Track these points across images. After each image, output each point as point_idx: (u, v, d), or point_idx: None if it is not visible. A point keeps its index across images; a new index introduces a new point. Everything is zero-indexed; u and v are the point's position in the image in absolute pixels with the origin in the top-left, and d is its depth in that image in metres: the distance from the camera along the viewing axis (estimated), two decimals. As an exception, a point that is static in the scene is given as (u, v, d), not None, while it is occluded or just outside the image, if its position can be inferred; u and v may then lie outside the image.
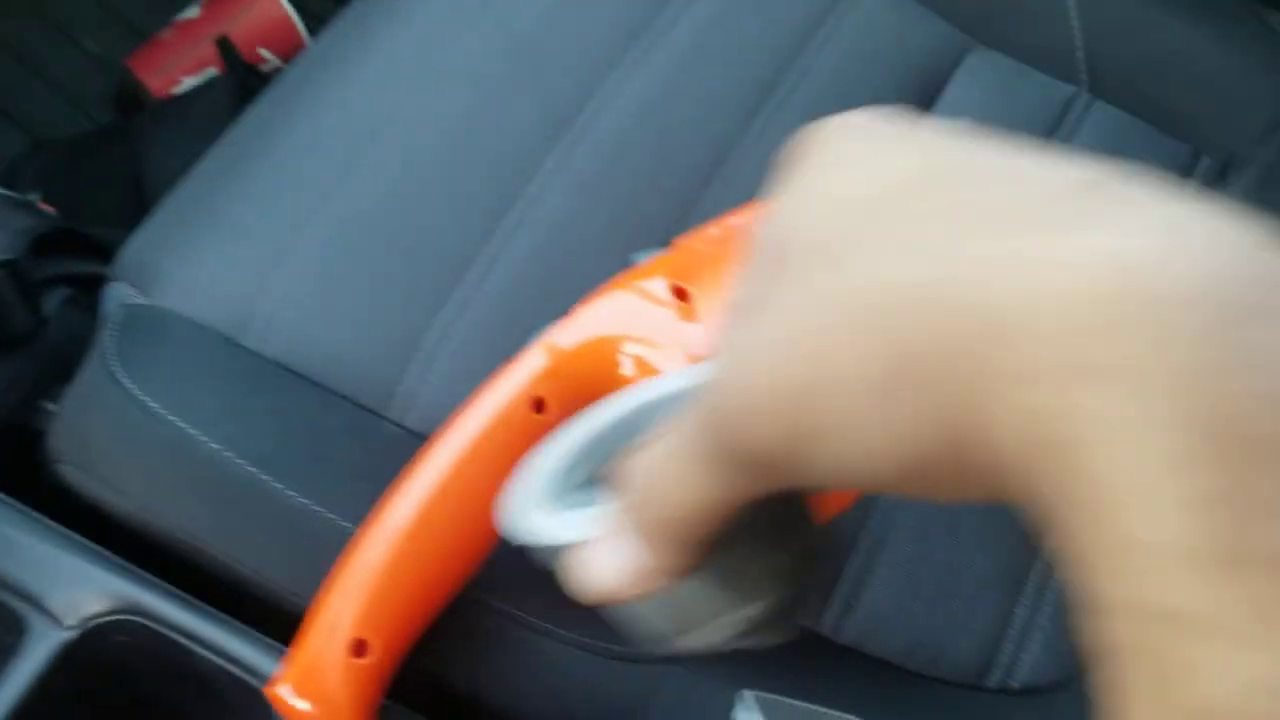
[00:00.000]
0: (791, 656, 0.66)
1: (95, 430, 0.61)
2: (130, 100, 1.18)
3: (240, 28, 1.06)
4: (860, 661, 0.66)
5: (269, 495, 0.59)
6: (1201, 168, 0.82)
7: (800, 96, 0.78)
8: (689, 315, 0.55)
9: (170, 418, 0.58)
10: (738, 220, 0.61)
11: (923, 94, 0.81)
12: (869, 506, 0.67)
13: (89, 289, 0.83)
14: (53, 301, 0.78)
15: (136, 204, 1.02)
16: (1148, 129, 0.83)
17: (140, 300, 0.65)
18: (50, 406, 0.79)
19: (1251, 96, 0.84)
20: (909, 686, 0.66)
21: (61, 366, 0.80)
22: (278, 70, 1.10)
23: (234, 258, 0.67)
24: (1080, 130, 0.81)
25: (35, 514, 0.61)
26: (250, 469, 0.58)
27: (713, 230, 0.60)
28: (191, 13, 1.11)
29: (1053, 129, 0.81)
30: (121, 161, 1.07)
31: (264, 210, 0.68)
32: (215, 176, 0.72)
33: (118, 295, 0.67)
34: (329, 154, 0.70)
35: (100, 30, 1.24)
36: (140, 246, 0.69)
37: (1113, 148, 0.81)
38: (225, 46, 1.04)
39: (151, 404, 0.59)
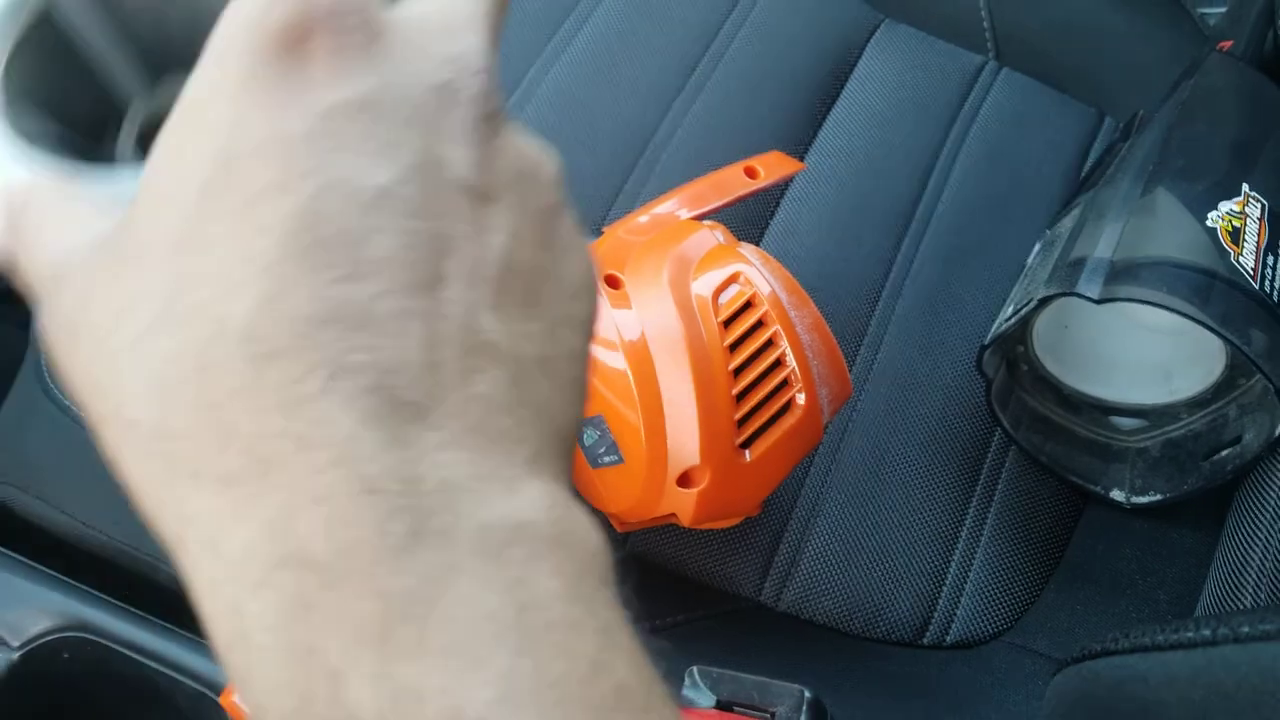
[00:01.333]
0: (735, 629, 0.67)
1: (31, 448, 0.61)
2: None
3: None
4: (801, 628, 0.68)
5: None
6: (1106, 128, 0.84)
7: (719, 78, 0.79)
8: (621, 302, 0.56)
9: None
10: (665, 207, 0.62)
11: (837, 69, 0.82)
12: (802, 478, 0.69)
13: (17, 303, 0.82)
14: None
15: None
16: (1055, 93, 0.85)
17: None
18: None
19: (1153, 58, 0.86)
20: (849, 649, 0.68)
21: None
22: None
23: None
24: (989, 96, 0.83)
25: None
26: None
27: (641, 219, 0.61)
28: None
29: (964, 96, 0.83)
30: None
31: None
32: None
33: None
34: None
35: None
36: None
37: (1021, 111, 0.83)
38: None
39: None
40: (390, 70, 0.22)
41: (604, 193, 0.74)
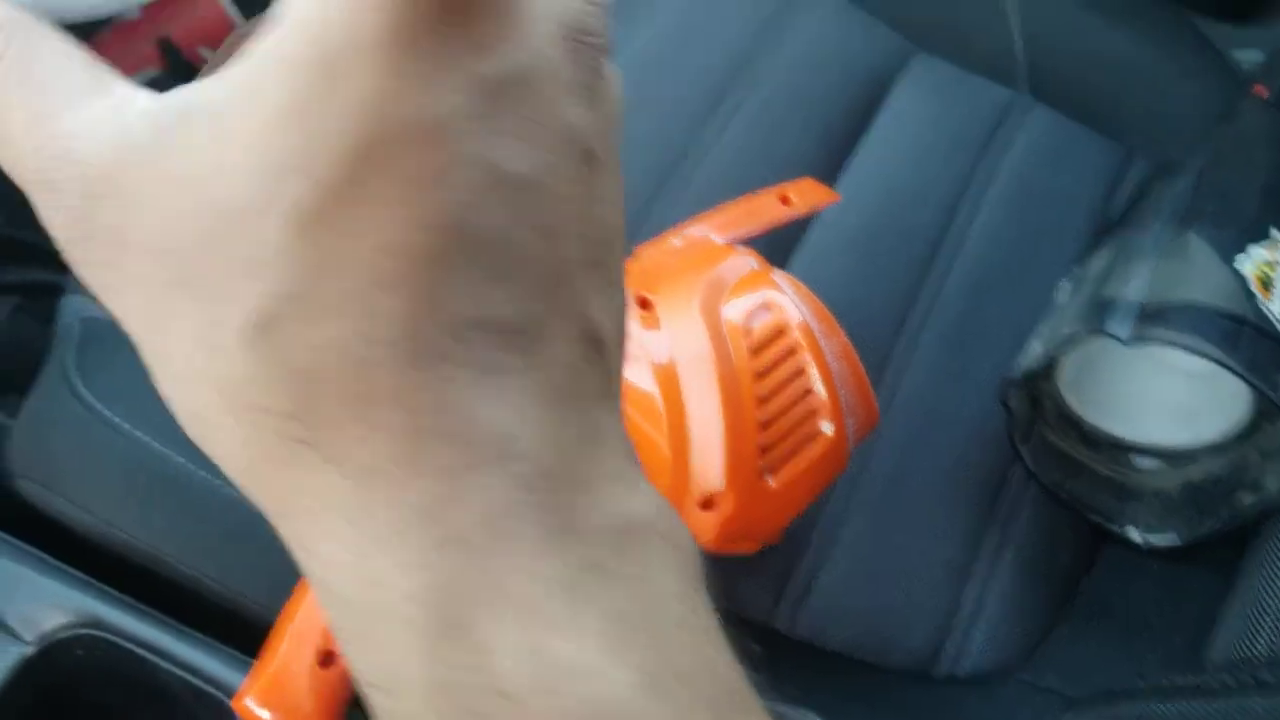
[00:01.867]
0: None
1: (56, 446, 0.61)
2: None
3: (181, 28, 1.05)
4: (812, 654, 0.68)
5: (235, 507, 0.59)
6: (1135, 169, 0.85)
7: (751, 103, 0.80)
8: (651, 323, 0.56)
9: (135, 432, 0.58)
10: (697, 230, 0.62)
11: (868, 99, 0.82)
12: (821, 504, 0.69)
13: (40, 298, 0.82)
14: (2, 310, 0.78)
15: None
16: (1085, 131, 0.85)
17: (99, 313, 0.65)
18: (-1, 416, 0.79)
19: (1185, 101, 0.87)
20: (861, 677, 0.68)
21: (10, 376, 0.79)
22: (219, 68, 1.09)
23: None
24: (1020, 132, 0.84)
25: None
26: (216, 481, 0.58)
27: (673, 240, 0.61)
28: (131, 14, 1.09)
29: (993, 130, 0.83)
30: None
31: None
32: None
33: (75, 307, 0.66)
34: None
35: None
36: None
37: (1051, 148, 0.84)
38: (166, 47, 1.03)
39: (115, 419, 0.59)
40: (539, 25, 0.20)
41: (635, 212, 0.74)
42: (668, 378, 0.54)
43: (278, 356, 0.19)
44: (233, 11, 1.07)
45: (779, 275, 0.59)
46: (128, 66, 1.07)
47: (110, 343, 0.63)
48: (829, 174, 0.79)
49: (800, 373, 0.56)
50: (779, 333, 0.56)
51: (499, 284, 0.20)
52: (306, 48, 0.19)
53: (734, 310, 0.56)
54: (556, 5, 0.21)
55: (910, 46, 0.86)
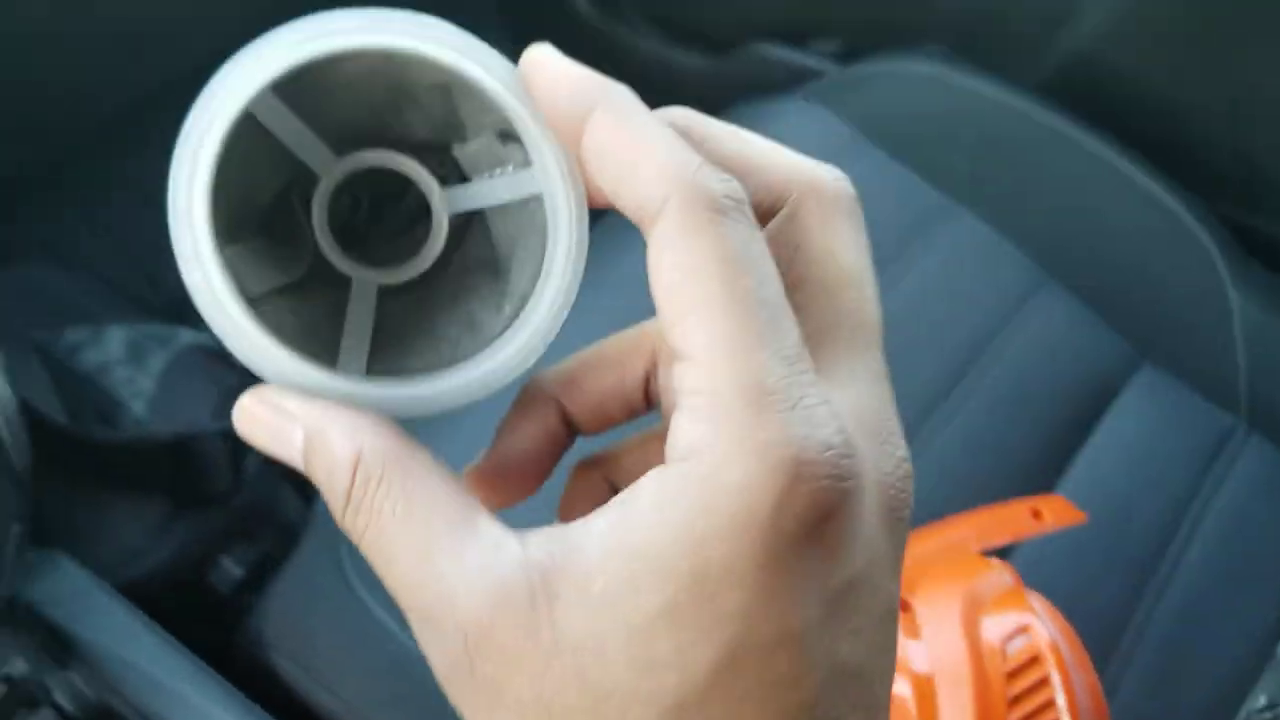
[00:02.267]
0: None
1: (321, 632, 0.64)
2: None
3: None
4: None
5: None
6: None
7: (983, 391, 0.83)
8: (910, 630, 0.58)
9: (402, 637, 0.61)
10: (959, 532, 0.64)
11: (1093, 403, 0.85)
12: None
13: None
14: (252, 463, 0.82)
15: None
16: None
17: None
18: (227, 562, 0.83)
19: None
20: None
21: (246, 525, 0.84)
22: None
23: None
24: (1236, 464, 0.85)
25: (239, 694, 0.63)
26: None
27: (931, 542, 0.64)
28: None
29: (1213, 456, 0.85)
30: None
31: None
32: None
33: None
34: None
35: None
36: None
37: (1267, 485, 0.85)
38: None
39: (384, 617, 0.61)
40: (871, 521, 0.23)
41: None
42: (925, 690, 0.56)
43: None
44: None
45: (1034, 597, 0.60)
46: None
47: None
48: (1049, 473, 0.81)
49: (1050, 705, 0.57)
50: (1034, 660, 0.57)
51: None
52: (683, 560, 0.21)
53: (992, 629, 0.58)
54: (884, 495, 0.23)
55: (1138, 356, 0.89)
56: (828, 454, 0.21)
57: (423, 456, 0.24)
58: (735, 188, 0.23)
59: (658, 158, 0.22)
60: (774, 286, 0.22)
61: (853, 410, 0.24)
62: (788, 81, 1.03)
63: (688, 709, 0.21)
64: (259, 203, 0.28)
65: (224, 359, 0.92)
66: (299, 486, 0.85)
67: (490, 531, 0.23)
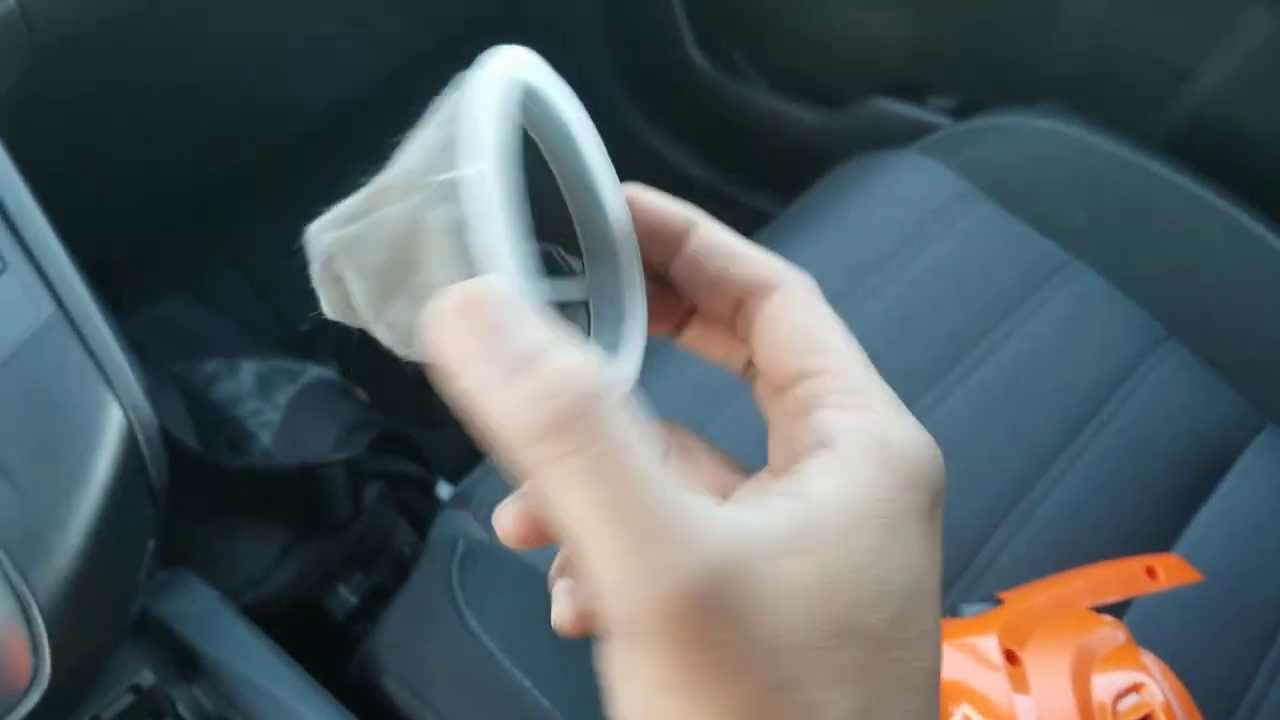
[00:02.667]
0: None
1: (432, 658, 0.65)
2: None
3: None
4: None
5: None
6: None
7: (1101, 444, 0.81)
8: (1019, 684, 0.57)
9: (509, 666, 0.62)
10: (1070, 587, 0.63)
11: (1212, 464, 0.83)
12: None
13: (401, 487, 0.90)
14: (370, 494, 0.85)
15: (422, 395, 1.10)
16: None
17: (482, 534, 0.70)
18: (344, 590, 0.86)
19: None
20: None
21: (362, 555, 0.86)
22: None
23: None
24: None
25: (351, 716, 0.65)
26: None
27: (1042, 596, 0.63)
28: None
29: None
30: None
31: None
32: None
33: (458, 523, 0.72)
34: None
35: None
36: (488, 481, 0.74)
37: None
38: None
39: (493, 647, 0.63)
40: None
41: (972, 539, 0.76)
42: (1033, 743, 0.55)
43: None
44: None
45: (1147, 656, 0.59)
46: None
47: (490, 568, 0.68)
48: (1165, 533, 0.79)
49: (1161, 765, 0.56)
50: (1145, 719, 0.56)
51: None
52: (874, 508, 0.25)
53: (1102, 686, 0.57)
54: None
55: (1259, 417, 0.87)
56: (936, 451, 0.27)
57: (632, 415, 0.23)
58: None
59: (760, 258, 0.30)
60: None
61: None
62: (902, 136, 1.03)
63: (882, 648, 0.24)
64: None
65: (347, 394, 0.96)
66: (413, 519, 0.88)
67: (704, 506, 0.23)
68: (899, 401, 0.27)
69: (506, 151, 0.25)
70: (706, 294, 0.30)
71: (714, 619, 0.21)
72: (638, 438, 0.22)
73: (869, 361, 0.28)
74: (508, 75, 0.26)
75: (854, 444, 0.25)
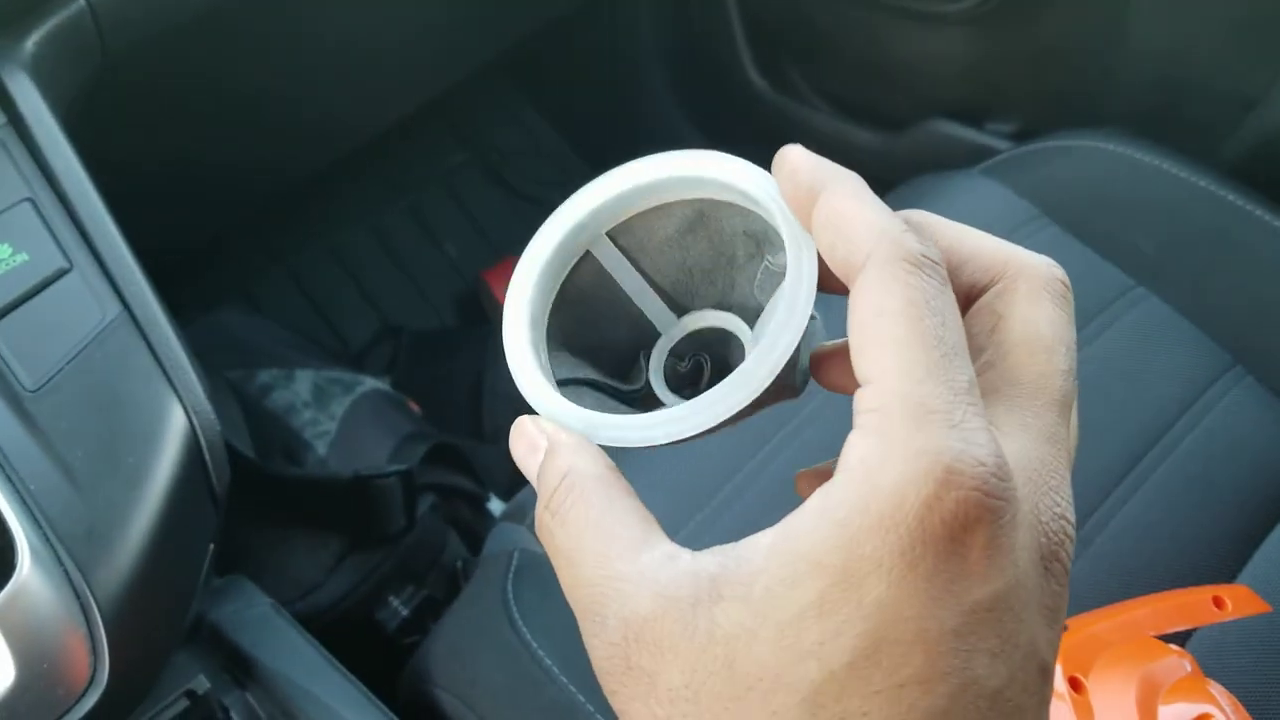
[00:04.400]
0: None
1: (485, 671, 0.65)
2: (475, 307, 1.28)
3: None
4: None
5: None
6: None
7: (1161, 476, 0.80)
8: (1084, 711, 0.56)
9: (564, 680, 0.62)
10: (1135, 615, 0.62)
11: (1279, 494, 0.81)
12: None
13: (452, 499, 0.90)
14: (423, 506, 0.85)
15: (475, 409, 1.10)
16: None
17: (536, 548, 0.70)
18: (395, 602, 0.86)
19: None
20: None
21: (414, 568, 0.86)
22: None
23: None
24: None
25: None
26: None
27: (1106, 623, 0.62)
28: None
29: None
30: (465, 365, 1.16)
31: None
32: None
33: (513, 536, 0.72)
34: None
35: (462, 240, 1.37)
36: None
37: None
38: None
39: (547, 660, 0.63)
40: (1022, 554, 0.24)
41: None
42: (1098, 773, 0.54)
43: None
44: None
45: (1215, 687, 0.58)
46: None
47: (545, 581, 0.68)
48: (1230, 563, 0.77)
49: (1230, 799, 0.54)
50: (1214, 752, 0.55)
51: None
52: (836, 555, 0.23)
53: (1169, 717, 0.56)
54: (1039, 536, 0.24)
55: (1330, 448, 0.84)
56: (979, 469, 0.23)
57: (622, 485, 0.27)
58: (933, 250, 0.26)
59: (867, 219, 0.26)
60: (955, 333, 0.25)
61: (1016, 455, 0.25)
62: (962, 159, 1.03)
63: (825, 698, 0.23)
64: (591, 329, 0.33)
65: (401, 406, 0.96)
66: (464, 532, 0.87)
67: (665, 547, 0.26)
68: (928, 416, 0.23)
69: (548, 281, 0.32)
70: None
71: (643, 657, 0.24)
72: (602, 505, 0.27)
73: (936, 364, 0.24)
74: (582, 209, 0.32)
75: (845, 481, 0.24)
